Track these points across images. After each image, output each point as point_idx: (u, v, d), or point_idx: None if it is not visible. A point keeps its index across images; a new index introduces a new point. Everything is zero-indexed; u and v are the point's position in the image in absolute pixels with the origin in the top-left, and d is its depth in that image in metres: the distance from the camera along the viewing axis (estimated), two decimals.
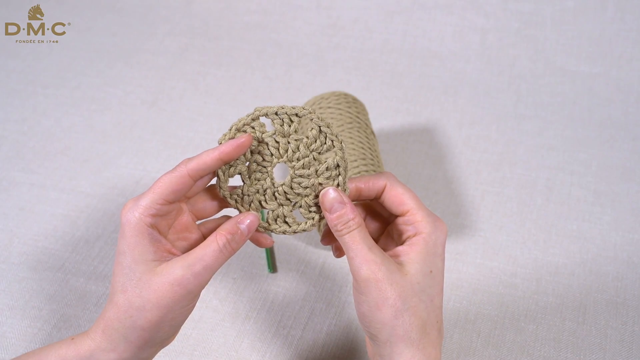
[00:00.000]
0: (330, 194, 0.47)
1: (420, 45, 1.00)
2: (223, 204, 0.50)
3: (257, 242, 0.49)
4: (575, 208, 0.74)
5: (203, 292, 0.66)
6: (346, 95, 0.74)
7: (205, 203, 0.49)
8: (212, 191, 0.49)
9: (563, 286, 0.65)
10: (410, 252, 0.46)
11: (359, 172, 0.65)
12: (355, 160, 0.66)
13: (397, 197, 0.47)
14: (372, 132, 0.73)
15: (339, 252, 0.51)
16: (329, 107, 0.72)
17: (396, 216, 0.48)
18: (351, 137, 0.68)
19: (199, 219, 0.49)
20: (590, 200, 0.75)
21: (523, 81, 0.93)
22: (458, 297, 0.65)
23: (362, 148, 0.67)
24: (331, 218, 0.46)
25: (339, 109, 0.71)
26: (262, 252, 0.69)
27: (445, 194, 0.76)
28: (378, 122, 0.86)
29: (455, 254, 0.69)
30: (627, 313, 0.63)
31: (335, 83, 0.95)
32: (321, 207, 0.48)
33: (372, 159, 0.67)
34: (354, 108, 0.73)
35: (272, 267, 0.68)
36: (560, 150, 0.82)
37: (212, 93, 0.94)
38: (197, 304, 0.64)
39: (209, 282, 0.66)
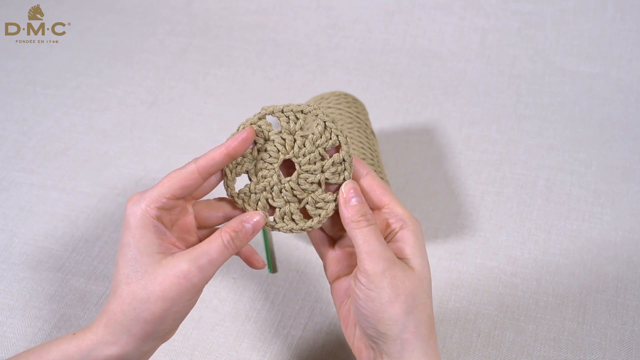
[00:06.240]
0: (351, 184, 0.48)
1: (420, 45, 1.00)
2: (228, 215, 0.50)
3: (250, 264, 0.50)
4: (575, 208, 0.74)
5: (203, 292, 0.66)
6: (346, 95, 0.74)
7: (211, 213, 0.49)
8: (220, 202, 0.50)
9: (563, 286, 0.65)
10: (405, 248, 0.46)
11: None
12: None
13: (378, 188, 0.48)
14: (372, 132, 0.73)
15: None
16: (329, 107, 0.72)
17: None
18: (351, 137, 0.68)
19: (201, 227, 0.49)
20: (590, 200, 0.75)
21: (523, 81, 0.93)
22: (458, 297, 0.65)
23: (362, 148, 0.67)
24: (351, 207, 0.46)
25: (339, 109, 0.71)
26: (262, 252, 0.69)
27: (445, 194, 0.76)
28: (378, 122, 0.86)
29: (455, 254, 0.69)
30: (627, 313, 0.63)
31: (335, 83, 0.95)
32: (340, 198, 0.48)
33: (372, 159, 0.67)
34: (354, 108, 0.73)
35: (272, 267, 0.68)
36: (560, 150, 0.82)
37: (212, 93, 0.94)
38: (197, 304, 0.64)
39: (209, 282, 0.67)
